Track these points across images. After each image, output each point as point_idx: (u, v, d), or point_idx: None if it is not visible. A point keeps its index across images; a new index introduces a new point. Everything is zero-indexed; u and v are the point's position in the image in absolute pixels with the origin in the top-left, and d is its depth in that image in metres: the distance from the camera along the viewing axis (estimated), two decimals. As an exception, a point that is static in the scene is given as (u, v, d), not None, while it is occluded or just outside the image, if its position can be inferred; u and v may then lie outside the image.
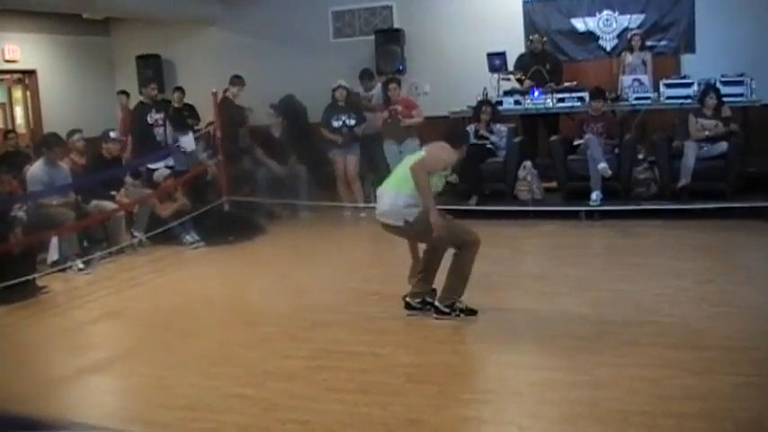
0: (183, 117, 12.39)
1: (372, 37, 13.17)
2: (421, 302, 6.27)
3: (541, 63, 11.57)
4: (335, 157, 11.41)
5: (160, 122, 10.88)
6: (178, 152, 10.90)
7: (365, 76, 11.99)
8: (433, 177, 6.10)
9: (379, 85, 11.73)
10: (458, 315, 6.03)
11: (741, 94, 10.16)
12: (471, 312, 6.05)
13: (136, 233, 9.86)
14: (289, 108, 12.41)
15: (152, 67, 13.99)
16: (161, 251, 9.71)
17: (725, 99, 9.87)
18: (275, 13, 13.74)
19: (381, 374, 5.03)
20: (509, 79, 11.80)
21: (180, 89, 12.93)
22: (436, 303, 6.14)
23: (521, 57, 11.89)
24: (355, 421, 4.34)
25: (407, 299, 6.32)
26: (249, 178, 11.48)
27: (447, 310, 6.06)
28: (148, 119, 10.86)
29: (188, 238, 9.86)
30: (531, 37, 11.94)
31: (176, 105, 12.57)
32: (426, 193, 5.95)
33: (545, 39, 11.84)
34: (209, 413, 4.59)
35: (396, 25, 13.32)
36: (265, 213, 11.12)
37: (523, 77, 11.58)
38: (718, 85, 10.04)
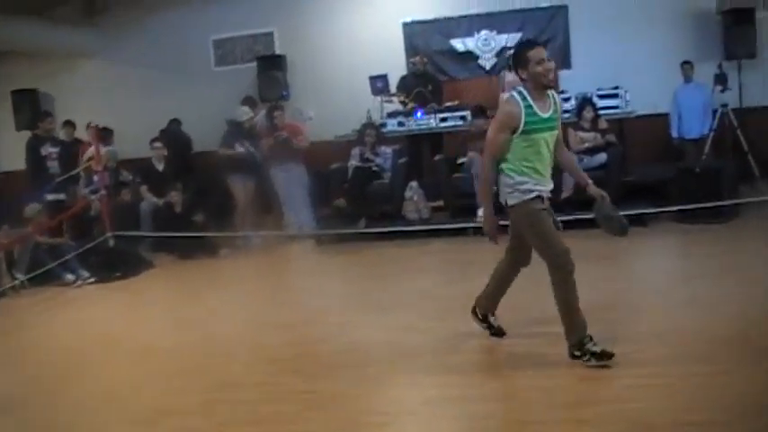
0: (76, 152, 12.00)
1: (254, 64, 13.09)
2: (483, 319, 5.87)
3: (423, 84, 11.69)
4: (235, 185, 11.09)
5: (54, 156, 10.57)
6: (58, 188, 10.58)
7: (247, 102, 11.87)
8: (515, 148, 5.07)
9: (262, 112, 11.63)
10: (587, 360, 4.91)
11: (617, 107, 10.47)
12: (604, 357, 4.90)
13: (17, 275, 9.47)
14: (173, 136, 12.15)
15: (28, 102, 13.52)
16: (45, 292, 9.34)
17: (601, 112, 10.16)
18: (156, 43, 13.53)
19: (277, 404, 4.91)
20: (392, 101, 11.87)
21: (70, 123, 12.53)
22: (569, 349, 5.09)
23: (403, 78, 11.98)
24: (251, 452, 4.23)
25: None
26: (132, 212, 11.17)
27: (578, 353, 4.98)
28: (42, 151, 10.53)
29: (69, 276, 9.52)
30: (411, 59, 12.05)
31: (66, 140, 12.19)
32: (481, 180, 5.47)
33: (426, 60, 11.96)
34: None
35: (277, 51, 13.30)
36: (152, 247, 10.85)
37: (406, 99, 11.66)
38: (594, 98, 10.31)
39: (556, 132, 5.14)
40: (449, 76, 12.67)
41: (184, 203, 10.85)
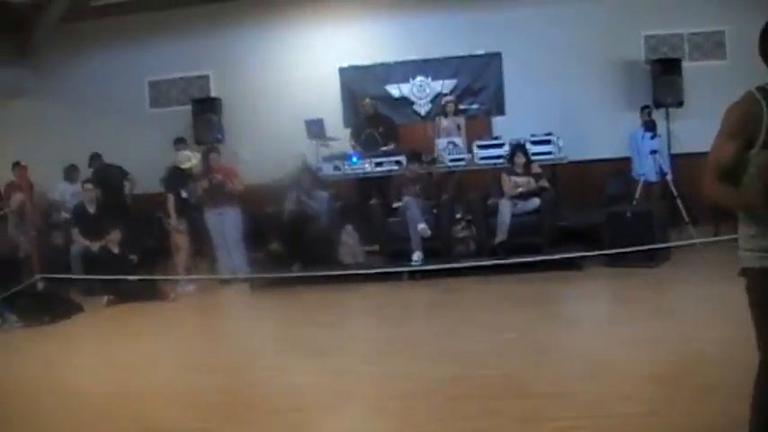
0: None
1: (189, 106, 13.02)
2: None
3: (374, 126, 11.70)
4: (181, 227, 10.84)
5: None
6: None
7: (180, 143, 11.78)
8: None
9: (197, 155, 11.47)
10: None
11: (550, 152, 10.63)
12: None
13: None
14: (105, 176, 11.90)
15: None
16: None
17: (535, 157, 10.31)
18: (90, 82, 13.36)
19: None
20: (327, 145, 11.88)
21: None
22: None
23: (356, 121, 12.13)
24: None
25: None
26: (63, 256, 10.93)
27: None
28: None
29: (-4, 320, 9.24)
30: (361, 102, 12.03)
31: None
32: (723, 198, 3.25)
33: (375, 102, 11.95)
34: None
35: (213, 94, 13.25)
36: (82, 291, 10.60)
37: (356, 143, 11.65)
38: (528, 144, 10.45)
39: None
40: (384, 121, 12.76)
41: (120, 244, 10.63)
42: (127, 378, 6.71)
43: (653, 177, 11.08)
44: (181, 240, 10.86)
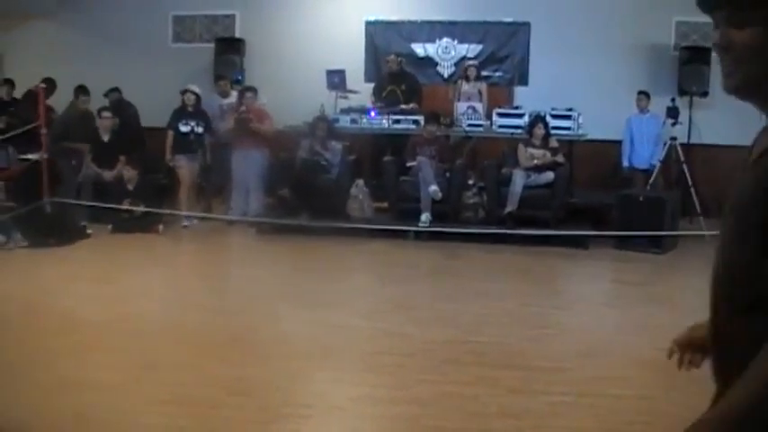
0: (9, 112, 11.71)
1: (212, 45, 12.94)
2: None
3: (397, 84, 11.60)
4: (180, 163, 10.86)
5: None
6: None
7: (221, 79, 11.72)
8: None
9: (234, 93, 11.43)
10: None
11: (569, 128, 10.53)
12: None
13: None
14: (120, 107, 11.89)
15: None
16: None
17: (553, 132, 10.20)
18: (114, 11, 13.26)
19: (200, 387, 4.83)
20: (347, 97, 11.80)
21: (9, 81, 12.24)
22: None
23: (379, 77, 12.01)
24: (169, 434, 4.14)
25: None
26: (73, 180, 10.93)
27: None
28: None
29: (1, 238, 9.24)
30: (387, 58, 11.93)
31: (4, 98, 11.90)
32: None
33: (401, 59, 11.85)
34: (19, 424, 4.25)
35: (237, 35, 13.15)
36: (89, 217, 10.61)
37: (377, 99, 11.57)
38: (547, 118, 10.36)
39: None
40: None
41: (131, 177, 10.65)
42: (122, 307, 6.75)
43: (647, 164, 11.06)
44: (181, 176, 10.88)
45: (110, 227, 10.19)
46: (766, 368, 1.44)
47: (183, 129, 10.82)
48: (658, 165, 10.88)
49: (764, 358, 1.44)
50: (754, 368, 1.46)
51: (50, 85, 11.46)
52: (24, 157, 10.89)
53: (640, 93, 11.25)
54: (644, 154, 11.20)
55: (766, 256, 1.53)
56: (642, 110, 11.18)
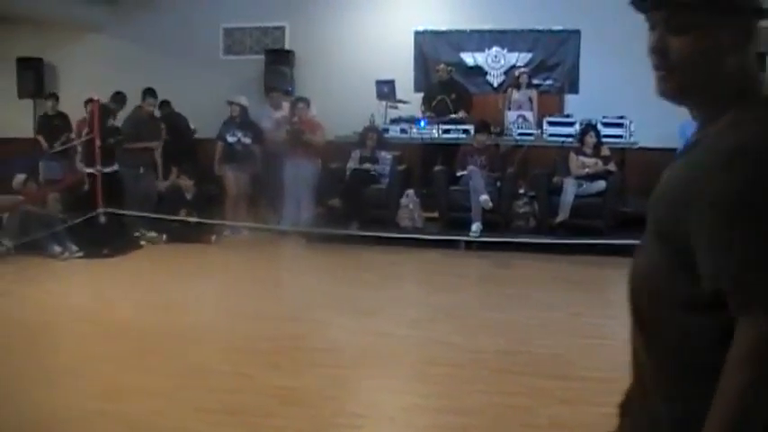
0: (53, 125, 11.94)
1: (263, 56, 13.04)
2: None
3: (446, 93, 11.58)
4: (227, 174, 11.05)
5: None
6: (50, 160, 10.48)
7: (274, 91, 11.83)
8: None
9: (286, 104, 11.52)
10: None
11: (620, 136, 10.41)
12: None
13: (4, 242, 9.39)
14: (172, 120, 12.04)
15: (33, 71, 13.43)
16: (31, 261, 9.23)
17: (605, 140, 10.11)
18: (165, 24, 13.41)
19: (252, 395, 4.87)
20: (396, 107, 11.81)
21: (53, 96, 12.49)
22: None
23: (428, 87, 12.01)
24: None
25: None
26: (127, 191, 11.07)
27: None
28: None
29: (57, 248, 9.42)
30: (437, 67, 11.93)
31: (48, 113, 12.13)
32: None
33: (450, 68, 11.84)
34: (68, 428, 4.32)
35: (287, 46, 13.23)
36: (144, 226, 10.74)
37: (427, 108, 11.56)
38: (598, 126, 10.26)
39: None
40: (456, 88, 12.63)
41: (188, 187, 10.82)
42: (173, 316, 6.84)
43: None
44: (228, 186, 11.01)
45: (164, 236, 10.34)
46: (734, 396, 1.42)
47: (230, 139, 10.98)
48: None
49: (729, 382, 1.42)
50: (721, 397, 1.43)
51: (121, 98, 11.66)
52: (90, 170, 11.02)
53: None
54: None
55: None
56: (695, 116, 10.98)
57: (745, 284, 1.42)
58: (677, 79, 1.63)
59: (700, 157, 1.55)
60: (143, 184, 11.05)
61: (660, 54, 1.64)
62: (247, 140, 11.00)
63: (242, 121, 11.10)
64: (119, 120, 11.24)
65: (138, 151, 11.01)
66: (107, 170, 10.48)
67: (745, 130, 1.51)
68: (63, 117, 12.35)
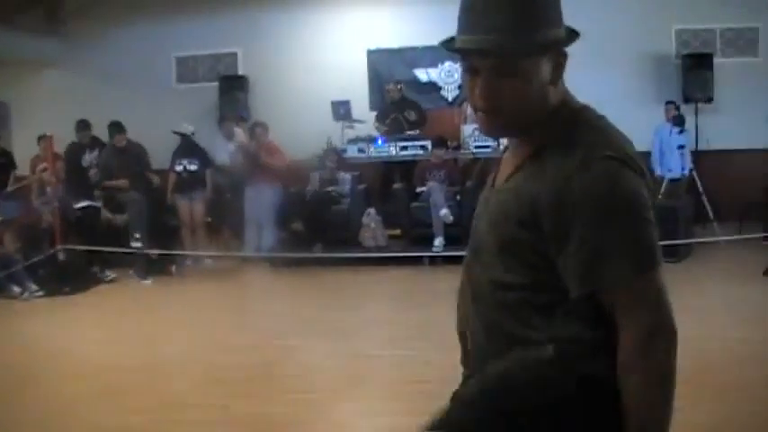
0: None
1: (216, 83, 13.01)
2: None
3: (400, 111, 11.64)
4: (179, 203, 10.92)
5: None
6: (4, 200, 10.34)
7: (227, 119, 11.74)
8: None
9: (239, 131, 11.44)
10: None
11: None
12: None
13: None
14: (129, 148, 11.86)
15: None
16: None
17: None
18: (117, 55, 13.33)
19: (225, 426, 4.84)
20: (353, 127, 11.83)
21: None
22: None
23: (383, 105, 12.08)
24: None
25: None
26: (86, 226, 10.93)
27: None
28: None
29: (16, 289, 9.27)
30: (387, 87, 11.98)
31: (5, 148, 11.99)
32: None
33: (401, 86, 11.88)
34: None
35: (240, 72, 13.22)
36: (102, 262, 10.62)
37: (381, 127, 11.58)
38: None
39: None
40: (410, 105, 12.69)
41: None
42: (143, 351, 6.76)
43: (678, 174, 10.96)
44: (182, 216, 10.89)
45: (131, 271, 10.21)
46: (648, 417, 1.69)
47: (177, 168, 10.84)
48: (689, 172, 10.80)
49: (640, 408, 1.69)
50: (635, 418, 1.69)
51: (84, 125, 11.50)
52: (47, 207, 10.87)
53: (668, 103, 11.24)
54: (673, 164, 11.01)
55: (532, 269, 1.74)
56: (670, 119, 11.03)
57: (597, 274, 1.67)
58: (506, 117, 1.73)
59: (550, 171, 1.67)
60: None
61: (489, 98, 1.70)
62: (193, 167, 10.80)
63: (186, 148, 10.98)
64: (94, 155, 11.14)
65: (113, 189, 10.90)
66: (79, 206, 10.38)
67: (585, 141, 1.71)
68: (6, 154, 12.06)
